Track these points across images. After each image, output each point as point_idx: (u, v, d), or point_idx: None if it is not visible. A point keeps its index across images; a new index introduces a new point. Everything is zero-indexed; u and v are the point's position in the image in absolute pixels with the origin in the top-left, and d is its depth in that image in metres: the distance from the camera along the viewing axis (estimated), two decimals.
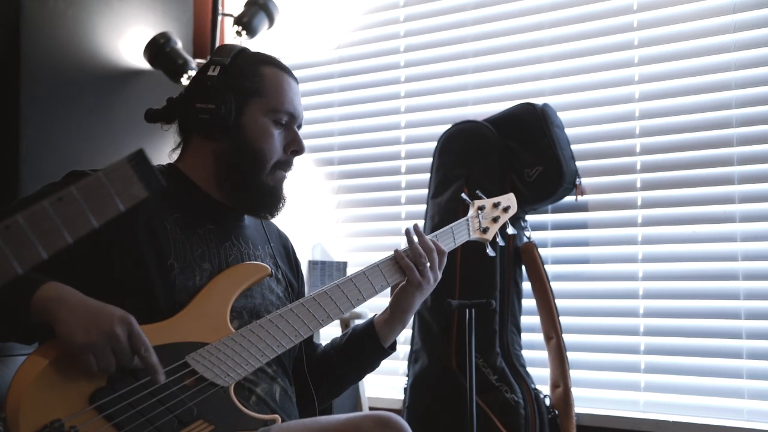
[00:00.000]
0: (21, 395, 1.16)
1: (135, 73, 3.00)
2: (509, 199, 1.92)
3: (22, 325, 1.23)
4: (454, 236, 1.75)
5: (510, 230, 1.92)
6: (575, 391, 2.33)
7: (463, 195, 1.87)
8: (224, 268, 1.48)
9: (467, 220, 1.80)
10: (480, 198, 1.86)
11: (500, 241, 1.90)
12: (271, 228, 1.70)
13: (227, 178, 1.52)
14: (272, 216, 1.58)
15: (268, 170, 1.51)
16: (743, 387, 2.25)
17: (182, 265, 1.42)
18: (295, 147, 1.54)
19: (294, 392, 1.54)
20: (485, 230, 1.83)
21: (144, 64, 2.96)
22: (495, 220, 1.86)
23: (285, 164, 1.54)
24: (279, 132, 1.53)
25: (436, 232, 1.70)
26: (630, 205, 2.44)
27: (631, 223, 2.44)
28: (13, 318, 1.22)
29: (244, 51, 1.57)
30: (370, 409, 2.62)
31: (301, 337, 1.46)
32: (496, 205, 1.87)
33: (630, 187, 2.44)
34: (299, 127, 1.59)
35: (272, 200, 1.54)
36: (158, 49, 2.89)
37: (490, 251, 1.86)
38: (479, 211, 1.84)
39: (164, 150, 1.59)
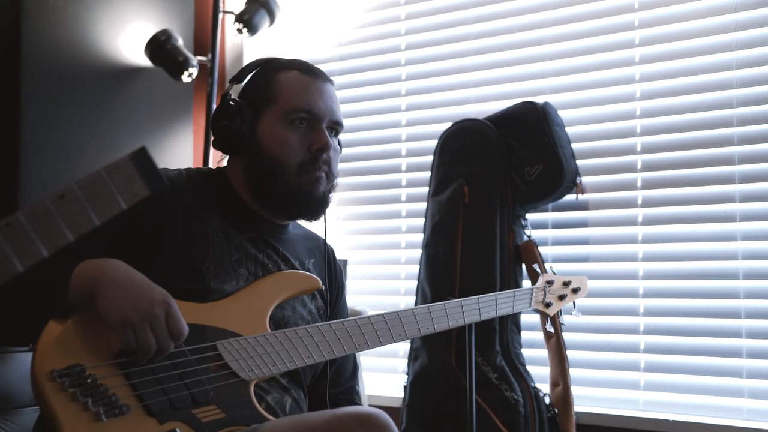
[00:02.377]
0: (55, 334, 1.21)
1: (136, 71, 3.00)
2: (581, 281, 1.94)
3: (59, 307, 1.24)
4: (514, 301, 1.77)
5: (575, 313, 1.95)
6: (575, 390, 2.33)
7: (535, 266, 1.90)
8: (260, 276, 1.49)
9: (532, 290, 1.83)
10: (552, 273, 1.89)
11: (562, 321, 1.92)
12: (316, 243, 1.69)
13: (257, 188, 1.52)
14: (313, 218, 1.57)
15: (294, 173, 1.50)
16: (743, 386, 2.25)
17: (218, 268, 1.44)
18: (318, 145, 1.51)
19: (307, 405, 1.54)
20: (548, 305, 1.86)
21: (145, 62, 2.96)
22: (561, 298, 1.89)
23: (311, 164, 1.51)
24: (299, 134, 1.51)
25: (497, 294, 1.72)
26: (630, 203, 2.44)
27: (631, 221, 2.44)
28: (51, 298, 1.23)
29: (267, 62, 1.58)
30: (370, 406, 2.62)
31: (333, 355, 1.47)
32: (566, 284, 1.91)
33: (630, 186, 2.44)
34: (338, 125, 1.56)
35: (307, 202, 1.53)
36: (159, 46, 2.88)
37: (549, 327, 1.90)
38: (547, 285, 1.87)
39: (165, 147, 1.60)
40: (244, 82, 1.60)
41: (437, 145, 2.58)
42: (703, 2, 2.38)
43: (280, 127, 1.51)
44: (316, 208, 1.55)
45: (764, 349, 2.23)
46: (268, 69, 1.57)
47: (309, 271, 1.61)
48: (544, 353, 2.40)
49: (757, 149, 2.27)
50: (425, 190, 2.62)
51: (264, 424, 1.33)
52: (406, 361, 2.56)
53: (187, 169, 1.56)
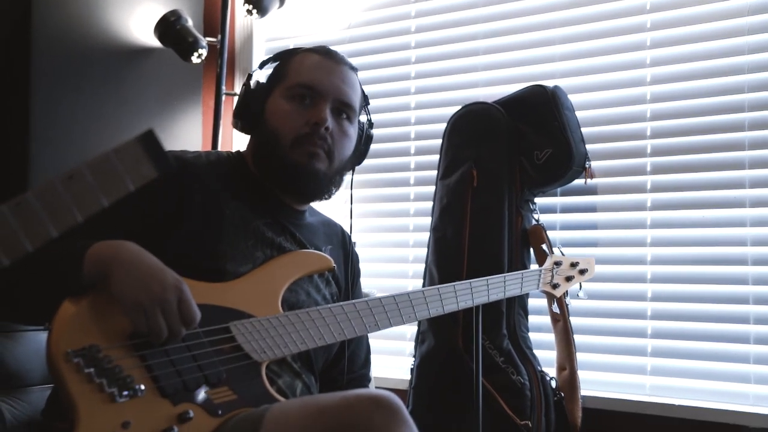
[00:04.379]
0: (70, 314, 1.21)
1: (145, 51, 3.00)
2: (588, 263, 1.95)
3: (73, 285, 1.24)
4: (522, 282, 1.78)
5: (581, 294, 1.95)
6: (581, 374, 2.33)
7: (544, 246, 1.90)
8: None
9: (540, 271, 1.83)
10: (560, 254, 1.90)
11: (568, 302, 1.92)
12: (334, 230, 1.70)
13: (260, 164, 1.55)
14: (311, 197, 1.58)
15: (289, 146, 1.51)
16: (750, 372, 2.25)
17: (234, 251, 1.44)
18: (314, 119, 1.51)
19: (318, 390, 1.55)
20: (555, 286, 1.86)
21: (154, 42, 2.95)
22: (568, 279, 1.90)
23: (307, 138, 1.52)
24: (301, 108, 1.53)
25: (505, 275, 1.71)
26: (639, 188, 2.43)
27: (640, 206, 2.43)
28: (66, 277, 1.24)
29: (293, 49, 1.62)
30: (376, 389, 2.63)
31: (344, 336, 1.48)
32: (573, 265, 1.92)
33: (640, 171, 2.43)
34: (346, 107, 1.58)
35: (300, 177, 1.53)
36: (168, 26, 2.88)
37: (555, 308, 1.90)
38: (555, 266, 1.87)
39: (174, 128, 1.61)
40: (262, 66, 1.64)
41: (446, 128, 2.57)
42: None
43: (283, 101, 1.54)
44: (309, 183, 1.55)
45: None
46: (290, 53, 1.61)
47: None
48: (550, 337, 2.40)
49: None
50: (434, 173, 2.61)
51: (274, 404, 1.33)
52: (413, 343, 2.57)
53: (207, 152, 1.58)
